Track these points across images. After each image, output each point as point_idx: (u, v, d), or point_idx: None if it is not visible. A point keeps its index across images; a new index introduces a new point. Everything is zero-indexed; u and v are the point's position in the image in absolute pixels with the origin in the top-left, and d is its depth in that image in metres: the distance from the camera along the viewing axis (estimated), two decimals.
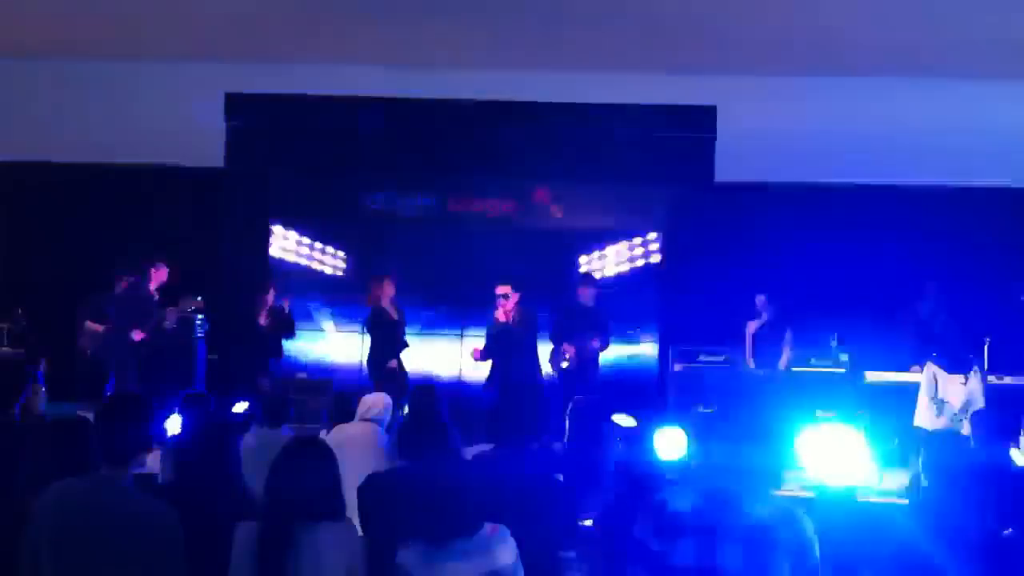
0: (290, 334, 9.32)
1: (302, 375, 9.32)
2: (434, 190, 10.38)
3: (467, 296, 10.31)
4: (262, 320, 9.08)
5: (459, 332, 10.28)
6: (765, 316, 8.62)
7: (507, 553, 3.25)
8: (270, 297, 9.23)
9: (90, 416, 5.38)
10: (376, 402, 5.81)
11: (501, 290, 8.30)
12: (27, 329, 8.83)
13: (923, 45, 9.24)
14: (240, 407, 6.53)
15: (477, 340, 10.19)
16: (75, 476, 3.28)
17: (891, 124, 10.06)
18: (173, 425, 6.00)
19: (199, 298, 8.55)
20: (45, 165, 10.39)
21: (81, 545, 3.13)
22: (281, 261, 10.38)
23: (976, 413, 6.18)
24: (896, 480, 7.40)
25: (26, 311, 8.92)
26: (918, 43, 9.20)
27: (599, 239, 10.34)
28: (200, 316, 9.22)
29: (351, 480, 4.06)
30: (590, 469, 5.07)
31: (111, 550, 3.12)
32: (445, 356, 9.87)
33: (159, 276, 8.53)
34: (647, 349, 10.02)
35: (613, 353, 9.28)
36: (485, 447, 4.68)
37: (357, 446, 5.29)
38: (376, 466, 4.77)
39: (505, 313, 8.28)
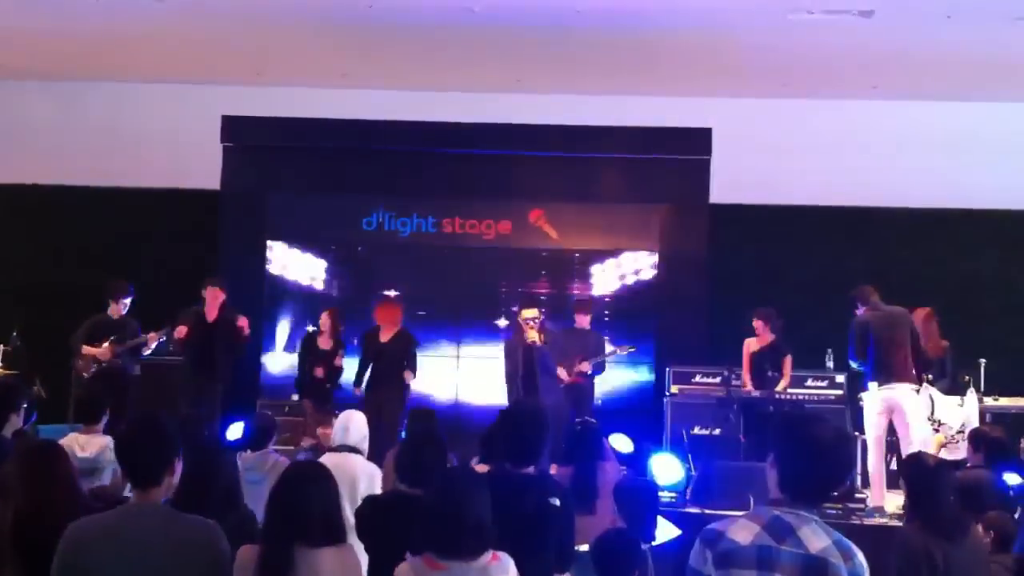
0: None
1: (295, 397, 9.25)
2: (430, 211, 10.40)
3: (464, 317, 10.32)
4: (329, 348, 8.78)
5: (456, 353, 10.28)
6: (766, 338, 8.62)
7: None
8: (328, 323, 8.91)
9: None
10: (358, 424, 5.42)
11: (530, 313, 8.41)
12: (23, 350, 8.80)
13: (915, 67, 9.31)
14: (235, 430, 6.50)
15: (474, 361, 10.29)
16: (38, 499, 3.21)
17: (885, 146, 10.13)
18: None
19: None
20: (41, 187, 10.41)
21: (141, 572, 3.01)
22: (278, 283, 10.38)
23: (974, 431, 6.19)
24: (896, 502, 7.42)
25: (22, 332, 8.89)
26: (910, 65, 9.26)
27: (595, 260, 10.37)
28: None
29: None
30: (590, 493, 5.06)
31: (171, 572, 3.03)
32: (442, 376, 9.85)
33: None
34: (643, 371, 10.01)
35: (609, 375, 9.28)
36: (480, 467, 4.67)
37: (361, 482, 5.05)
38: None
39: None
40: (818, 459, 2.65)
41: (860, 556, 2.63)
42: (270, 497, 3.33)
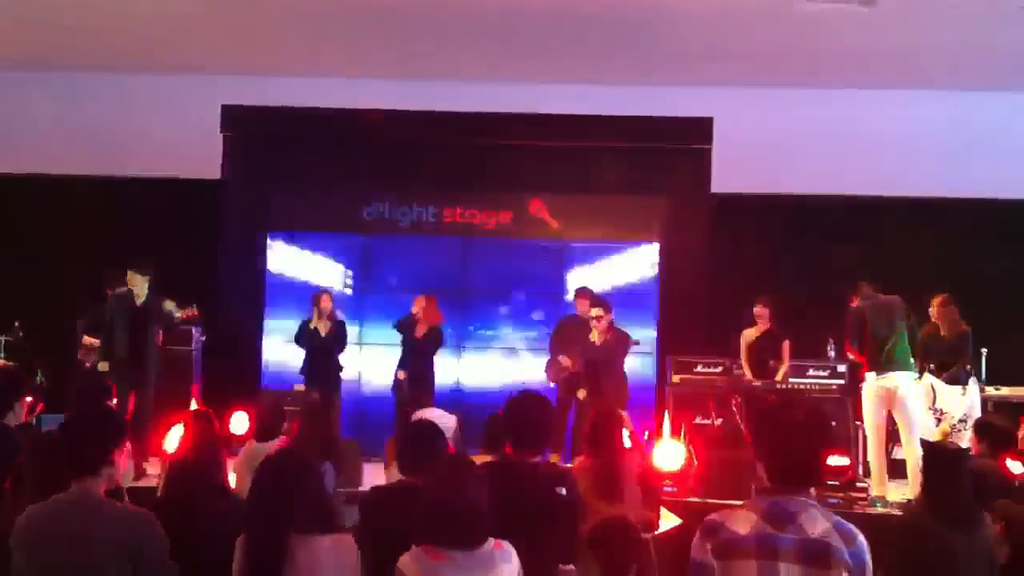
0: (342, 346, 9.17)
1: (299, 387, 9.24)
2: (431, 201, 10.38)
3: (464, 307, 10.33)
4: (322, 329, 9.00)
5: (456, 344, 10.28)
6: (762, 327, 8.63)
7: (509, 571, 3.23)
8: (327, 303, 9.07)
9: None
10: (444, 423, 5.34)
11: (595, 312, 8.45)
12: (24, 341, 8.81)
13: (918, 57, 9.29)
14: (239, 421, 6.50)
15: (476, 350, 10.30)
16: (49, 494, 3.29)
17: (887, 135, 10.11)
18: (172, 440, 5.96)
19: (194, 306, 8.43)
20: (43, 177, 10.39)
21: (67, 562, 3.13)
22: (278, 272, 10.37)
23: (979, 420, 6.19)
24: (896, 492, 7.44)
25: (24, 323, 8.90)
26: (913, 55, 9.24)
27: (596, 250, 10.36)
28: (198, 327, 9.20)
29: None
30: (616, 481, 5.07)
31: (96, 561, 3.13)
32: (443, 366, 9.84)
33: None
34: (644, 361, 10.00)
35: None
36: (485, 458, 4.67)
37: None
38: None
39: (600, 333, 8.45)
40: (795, 443, 2.68)
41: (861, 538, 2.64)
42: (251, 484, 3.37)
